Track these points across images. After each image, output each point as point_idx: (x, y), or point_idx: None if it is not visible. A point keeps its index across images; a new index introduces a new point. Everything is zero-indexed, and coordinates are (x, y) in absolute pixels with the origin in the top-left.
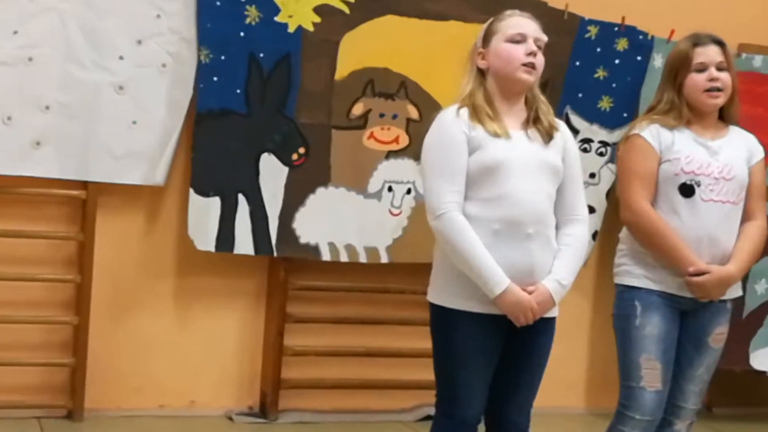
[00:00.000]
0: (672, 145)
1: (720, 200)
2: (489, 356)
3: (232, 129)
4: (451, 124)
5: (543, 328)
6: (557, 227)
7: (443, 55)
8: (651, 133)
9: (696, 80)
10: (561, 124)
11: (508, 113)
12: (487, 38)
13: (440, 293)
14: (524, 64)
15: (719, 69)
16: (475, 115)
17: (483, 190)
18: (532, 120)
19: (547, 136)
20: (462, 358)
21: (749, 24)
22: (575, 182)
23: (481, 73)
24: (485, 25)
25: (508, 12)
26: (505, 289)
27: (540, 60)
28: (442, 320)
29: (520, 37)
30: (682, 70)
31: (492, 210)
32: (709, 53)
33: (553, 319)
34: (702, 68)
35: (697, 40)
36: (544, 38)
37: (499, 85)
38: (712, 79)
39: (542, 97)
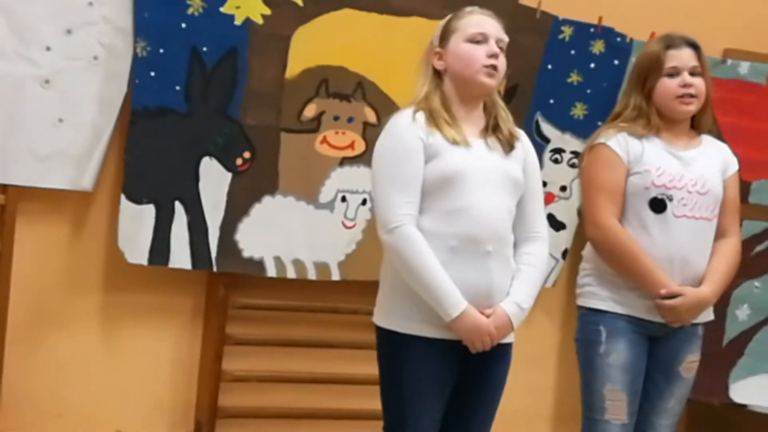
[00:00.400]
0: (641, 156)
1: (693, 216)
2: (442, 386)
3: (170, 130)
4: (407, 129)
5: (500, 355)
6: (515, 245)
7: (404, 53)
8: (618, 142)
9: (668, 86)
10: (521, 134)
11: (466, 119)
12: (444, 37)
13: (389, 315)
14: (486, 66)
15: (693, 74)
16: (432, 120)
17: (439, 202)
18: (492, 128)
19: (508, 145)
20: (412, 388)
21: (735, 28)
22: (535, 197)
23: (438, 75)
24: (443, 23)
25: (468, 9)
26: (463, 312)
27: (502, 62)
28: (391, 345)
29: (481, 37)
30: (652, 74)
31: (449, 225)
32: (683, 57)
33: (509, 344)
34: (674, 73)
35: (670, 42)
36: (506, 39)
37: (457, 89)
38: (685, 85)
39: (501, 104)
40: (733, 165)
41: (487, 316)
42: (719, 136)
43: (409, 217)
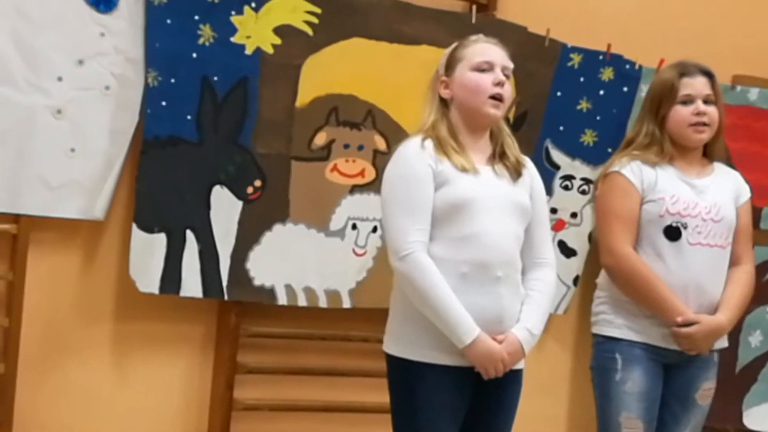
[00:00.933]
0: (655, 184)
1: (708, 244)
2: (455, 413)
3: (182, 159)
4: (416, 157)
5: (511, 381)
6: (523, 271)
7: (414, 82)
8: (632, 170)
9: (681, 113)
10: (527, 161)
11: (473, 147)
12: (450, 65)
13: (400, 343)
14: (491, 97)
15: (706, 102)
16: (441, 147)
17: (450, 229)
18: (498, 155)
19: (515, 172)
20: (425, 416)
21: (744, 54)
22: (542, 223)
23: (444, 103)
24: (448, 51)
25: (473, 37)
26: (476, 338)
27: (508, 90)
28: (403, 373)
29: (486, 66)
30: (666, 102)
31: (459, 251)
32: (697, 85)
33: (520, 371)
34: (688, 100)
35: (684, 70)
36: (511, 66)
37: (463, 118)
38: (698, 113)
39: (508, 131)
40: (746, 192)
41: (499, 342)
42: (730, 163)
43: (419, 243)
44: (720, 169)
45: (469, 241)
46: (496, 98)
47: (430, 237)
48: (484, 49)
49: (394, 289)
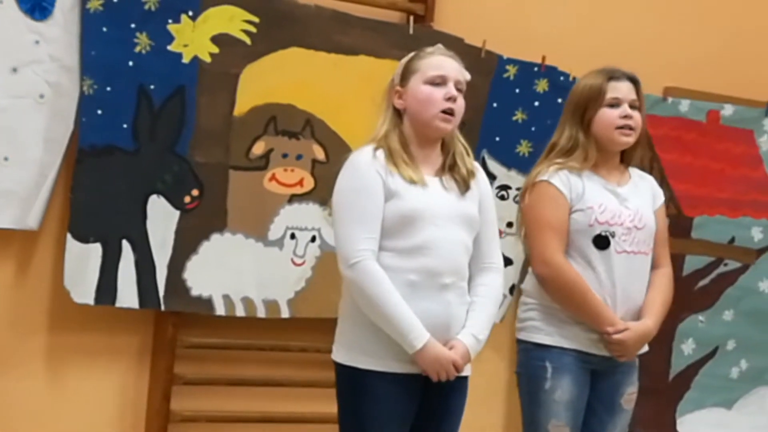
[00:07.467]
0: (583, 194)
1: (633, 251)
2: (403, 421)
3: (118, 168)
4: (367, 167)
5: (457, 388)
6: (470, 277)
7: (352, 91)
8: (561, 179)
9: (609, 116)
10: (477, 168)
11: (424, 159)
12: (405, 76)
13: (348, 351)
14: (443, 111)
15: (632, 107)
16: (392, 158)
17: (399, 239)
18: (448, 166)
19: (464, 185)
20: (373, 425)
21: (675, 66)
22: (489, 229)
23: (398, 113)
24: (404, 60)
25: (430, 49)
26: (426, 343)
27: (460, 105)
28: (351, 382)
29: (440, 80)
30: (592, 105)
31: (408, 260)
32: (624, 89)
33: (466, 378)
34: (615, 103)
35: (611, 74)
36: (467, 77)
37: (415, 130)
38: (625, 116)
39: (462, 139)
40: (660, 196)
41: (449, 348)
42: (661, 173)
43: (369, 252)
44: (636, 174)
45: (417, 251)
46: (447, 112)
47: (379, 247)
48: (439, 63)
49: (342, 298)
